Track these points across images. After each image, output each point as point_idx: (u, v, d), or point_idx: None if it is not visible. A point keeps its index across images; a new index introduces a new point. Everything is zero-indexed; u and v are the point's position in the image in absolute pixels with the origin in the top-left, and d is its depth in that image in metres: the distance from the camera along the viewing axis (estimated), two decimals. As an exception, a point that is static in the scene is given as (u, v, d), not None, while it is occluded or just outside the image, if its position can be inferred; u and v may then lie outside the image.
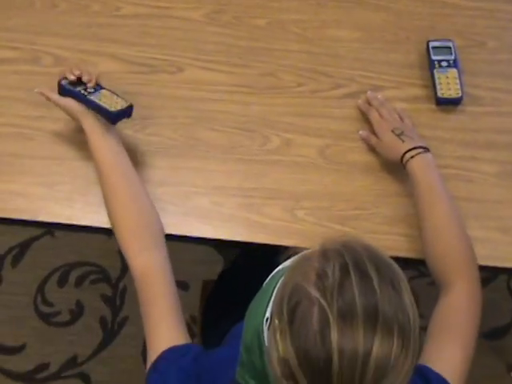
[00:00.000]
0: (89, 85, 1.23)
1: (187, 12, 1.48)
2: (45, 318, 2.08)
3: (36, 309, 2.09)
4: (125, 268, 2.13)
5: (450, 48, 1.43)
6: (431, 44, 1.43)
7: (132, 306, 2.09)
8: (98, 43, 1.45)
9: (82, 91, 1.22)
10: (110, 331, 2.07)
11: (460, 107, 1.41)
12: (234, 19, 1.48)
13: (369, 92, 1.39)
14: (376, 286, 0.77)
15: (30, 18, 1.46)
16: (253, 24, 1.48)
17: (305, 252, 0.86)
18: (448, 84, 1.39)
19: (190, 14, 1.48)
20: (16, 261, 2.15)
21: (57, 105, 1.24)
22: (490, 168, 1.35)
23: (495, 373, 2.05)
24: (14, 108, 1.37)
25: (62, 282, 2.13)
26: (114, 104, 1.22)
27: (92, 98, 1.22)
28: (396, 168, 1.30)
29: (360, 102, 1.39)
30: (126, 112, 1.24)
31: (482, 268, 1.18)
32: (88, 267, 2.14)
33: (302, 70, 1.43)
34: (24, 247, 2.16)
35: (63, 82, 1.24)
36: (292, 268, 0.84)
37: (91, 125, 1.20)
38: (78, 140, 1.32)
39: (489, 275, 2.13)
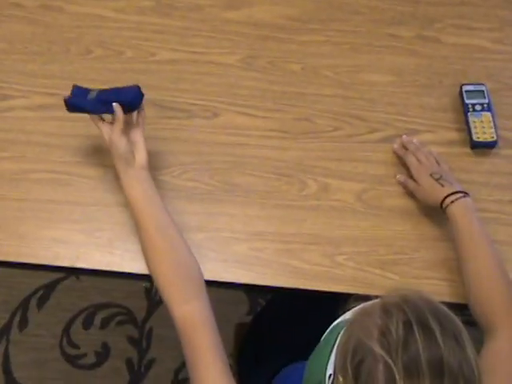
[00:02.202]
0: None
1: (222, 57, 1.50)
2: (71, 360, 2.07)
3: (62, 351, 2.08)
4: (151, 309, 2.12)
5: (483, 92, 1.44)
6: (465, 88, 1.44)
7: (159, 347, 2.08)
8: (133, 89, 1.46)
9: (89, 96, 1.22)
10: (137, 373, 2.05)
11: (494, 150, 1.41)
12: (268, 64, 1.49)
13: (404, 136, 1.40)
14: (439, 340, 0.77)
15: (66, 65, 1.48)
16: (287, 69, 1.49)
17: (365, 306, 0.86)
18: (483, 128, 1.40)
19: (225, 59, 1.49)
20: (41, 303, 2.14)
21: (109, 137, 1.20)
22: (527, 211, 1.35)
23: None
24: (51, 154, 1.38)
25: (87, 324, 2.12)
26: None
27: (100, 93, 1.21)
28: (434, 212, 1.31)
29: (396, 146, 1.39)
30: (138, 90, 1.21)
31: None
32: (113, 309, 2.14)
33: (337, 115, 1.44)
34: (49, 289, 2.16)
35: (67, 97, 1.23)
36: (353, 323, 0.84)
37: (128, 173, 1.18)
38: (117, 186, 1.33)
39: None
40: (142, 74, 1.47)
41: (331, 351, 0.84)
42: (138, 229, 1.19)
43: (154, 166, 1.33)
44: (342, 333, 0.85)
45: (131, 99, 1.20)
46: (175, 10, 1.56)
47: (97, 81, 1.45)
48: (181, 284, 1.13)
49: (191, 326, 1.07)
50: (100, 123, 1.20)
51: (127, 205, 1.27)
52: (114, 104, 1.18)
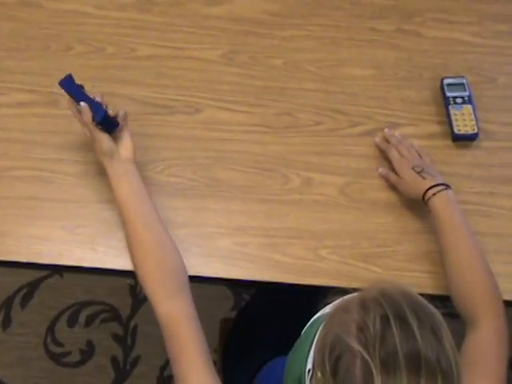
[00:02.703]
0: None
1: (203, 52, 1.49)
2: (55, 358, 2.06)
3: (46, 349, 2.07)
4: (135, 306, 2.12)
5: (463, 85, 1.45)
6: (445, 81, 1.45)
7: (144, 344, 2.08)
8: (115, 85, 1.45)
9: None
10: (122, 371, 2.05)
11: (475, 143, 1.42)
12: (249, 59, 1.49)
13: (386, 129, 1.41)
14: (417, 334, 0.78)
15: (46, 61, 1.47)
16: (268, 64, 1.49)
17: (343, 301, 0.86)
18: (464, 120, 1.40)
19: (206, 55, 1.49)
20: (25, 301, 2.14)
21: (90, 134, 1.21)
22: (508, 202, 1.36)
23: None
24: (32, 151, 1.37)
25: (72, 322, 2.11)
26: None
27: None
28: (416, 205, 1.31)
29: (378, 139, 1.40)
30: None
31: (506, 302, 1.18)
32: (98, 306, 2.13)
33: (319, 109, 1.44)
34: (33, 287, 2.15)
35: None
36: (331, 319, 0.85)
37: (115, 168, 1.20)
38: (99, 183, 1.33)
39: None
40: (123, 70, 1.47)
41: (311, 346, 0.84)
42: (124, 223, 1.19)
43: (137, 161, 1.31)
44: (320, 328, 0.85)
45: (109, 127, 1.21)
46: (155, 6, 1.55)
47: (78, 77, 1.42)
48: (165, 280, 1.12)
49: (174, 322, 1.07)
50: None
51: (111, 201, 1.28)
52: (81, 104, 1.19)
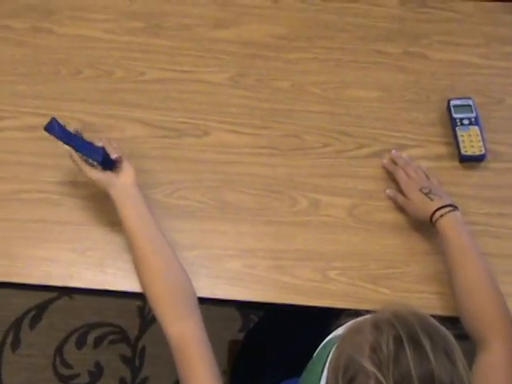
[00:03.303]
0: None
1: (210, 75, 1.51)
2: (64, 380, 2.06)
3: (55, 371, 2.08)
4: (143, 328, 2.12)
5: (470, 106, 1.45)
6: (452, 102, 1.46)
7: (151, 366, 2.08)
8: (123, 108, 1.46)
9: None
10: (131, 392, 2.05)
11: (483, 164, 1.42)
12: (256, 82, 1.50)
13: (393, 151, 1.41)
14: (430, 356, 0.78)
15: (56, 85, 1.49)
16: (275, 86, 1.50)
17: (356, 322, 0.86)
18: (471, 141, 1.41)
19: (214, 78, 1.51)
20: (34, 323, 2.14)
21: (86, 175, 1.25)
22: (516, 223, 1.37)
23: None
24: (41, 174, 1.38)
25: (80, 344, 2.11)
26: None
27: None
28: (424, 226, 1.31)
29: (385, 161, 1.41)
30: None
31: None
32: (106, 328, 2.13)
33: (325, 131, 1.45)
34: (41, 309, 2.16)
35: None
36: (344, 340, 0.85)
37: (118, 194, 1.21)
38: (107, 206, 1.33)
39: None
40: (132, 94, 1.48)
41: (323, 367, 0.85)
42: (130, 247, 1.20)
43: (146, 184, 1.33)
44: (333, 349, 0.86)
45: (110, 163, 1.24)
46: (164, 30, 1.57)
47: (87, 101, 1.47)
48: (174, 302, 1.13)
49: (184, 344, 1.08)
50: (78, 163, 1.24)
51: (119, 224, 1.28)
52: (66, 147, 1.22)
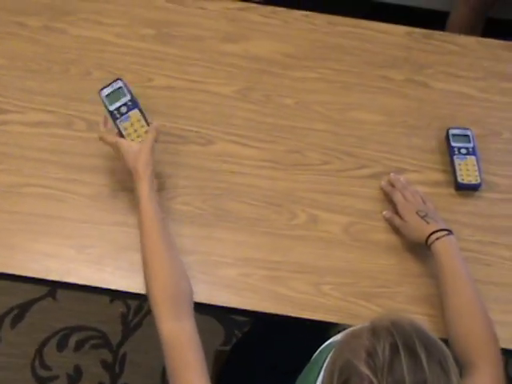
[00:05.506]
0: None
1: (218, 87, 1.54)
2: (42, 382, 2.05)
3: (33, 372, 2.06)
4: (126, 334, 2.12)
5: (468, 136, 1.49)
6: (451, 131, 1.49)
7: (131, 373, 2.07)
8: (130, 112, 1.48)
9: (115, 112, 1.29)
10: (109, 398, 2.04)
11: (478, 193, 1.46)
12: (262, 97, 1.53)
13: (392, 174, 1.44)
14: (425, 365, 0.80)
15: (65, 84, 1.51)
16: (280, 103, 1.53)
17: (354, 328, 0.88)
18: (467, 170, 1.45)
19: (221, 90, 1.53)
20: (15, 322, 2.13)
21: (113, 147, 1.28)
22: (507, 253, 1.39)
23: None
24: (45, 170, 1.40)
25: (61, 346, 2.10)
26: (132, 133, 1.29)
27: (118, 123, 1.29)
28: (418, 248, 1.35)
29: (383, 183, 1.44)
30: None
31: (504, 351, 1.21)
32: (88, 332, 2.12)
33: (327, 149, 1.48)
34: (24, 308, 2.15)
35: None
36: (341, 344, 0.87)
37: (143, 191, 1.23)
38: (110, 205, 1.36)
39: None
40: (139, 98, 1.48)
41: (320, 371, 0.87)
42: (145, 239, 1.21)
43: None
44: (331, 353, 0.88)
45: None
46: (175, 39, 1.60)
47: (95, 101, 1.47)
48: (175, 301, 1.15)
49: (179, 344, 1.09)
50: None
51: (121, 224, 1.32)
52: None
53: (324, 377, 0.85)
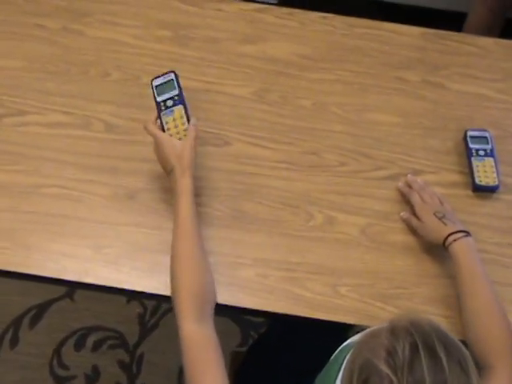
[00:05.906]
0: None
1: (236, 89, 1.54)
2: (60, 381, 2.06)
3: (51, 371, 2.07)
4: (143, 335, 2.13)
5: (486, 138, 1.48)
6: (469, 133, 1.49)
7: (149, 373, 2.08)
8: (148, 113, 1.48)
9: (162, 104, 1.31)
10: (126, 398, 2.05)
11: (496, 195, 1.45)
12: (279, 98, 1.54)
13: (409, 175, 1.44)
14: (445, 365, 0.80)
15: (84, 85, 1.52)
16: (298, 104, 1.53)
17: (373, 328, 0.88)
18: (485, 172, 1.44)
19: (239, 91, 1.54)
20: (34, 322, 2.14)
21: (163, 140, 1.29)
22: (525, 255, 1.39)
23: None
24: (63, 170, 1.41)
25: (79, 346, 2.12)
26: (172, 129, 1.29)
27: (162, 116, 1.30)
28: (435, 249, 1.34)
29: (401, 184, 1.43)
30: None
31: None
32: (106, 332, 2.14)
33: (344, 150, 1.48)
34: (43, 308, 2.16)
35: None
36: (360, 344, 0.87)
37: (187, 186, 1.24)
38: (126, 206, 1.36)
39: None
40: (157, 100, 1.51)
41: (339, 370, 0.87)
42: (178, 236, 1.21)
43: (164, 188, 1.36)
44: (350, 352, 0.88)
45: None
46: (192, 41, 1.61)
47: (113, 103, 1.49)
48: (199, 302, 1.15)
49: (199, 344, 1.10)
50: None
51: (138, 224, 1.33)
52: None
53: (344, 375, 0.85)
